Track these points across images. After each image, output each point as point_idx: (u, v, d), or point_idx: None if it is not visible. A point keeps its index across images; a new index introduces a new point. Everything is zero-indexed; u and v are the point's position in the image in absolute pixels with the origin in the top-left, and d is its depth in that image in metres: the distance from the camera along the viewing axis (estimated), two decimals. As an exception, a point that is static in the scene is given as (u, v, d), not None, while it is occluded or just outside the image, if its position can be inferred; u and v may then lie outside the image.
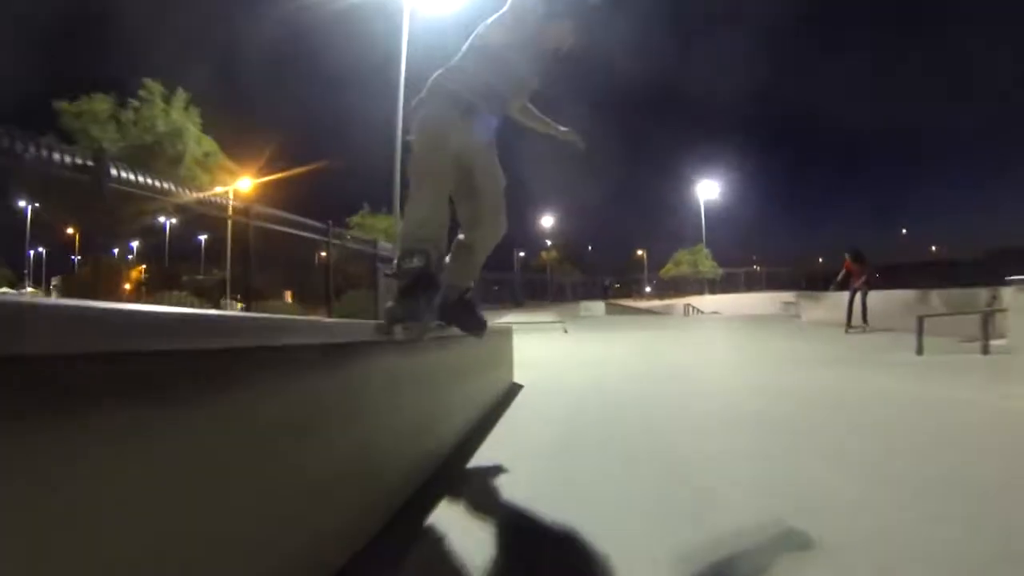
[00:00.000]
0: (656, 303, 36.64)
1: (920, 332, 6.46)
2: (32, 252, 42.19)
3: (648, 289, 45.61)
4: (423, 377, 2.29)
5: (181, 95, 14.27)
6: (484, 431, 3.08)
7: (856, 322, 9.86)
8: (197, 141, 14.58)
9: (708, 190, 46.97)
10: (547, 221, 56.09)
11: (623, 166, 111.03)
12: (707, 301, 30.68)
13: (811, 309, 13.44)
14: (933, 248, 60.95)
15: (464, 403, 3.06)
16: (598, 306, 22.91)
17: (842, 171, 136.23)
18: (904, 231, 71.43)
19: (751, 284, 37.23)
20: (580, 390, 4.70)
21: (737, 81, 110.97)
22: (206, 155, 14.94)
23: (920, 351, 6.33)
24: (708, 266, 42.29)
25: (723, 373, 5.95)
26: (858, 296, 9.95)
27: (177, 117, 14.03)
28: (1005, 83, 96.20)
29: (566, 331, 11.69)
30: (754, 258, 50.50)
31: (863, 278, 10.01)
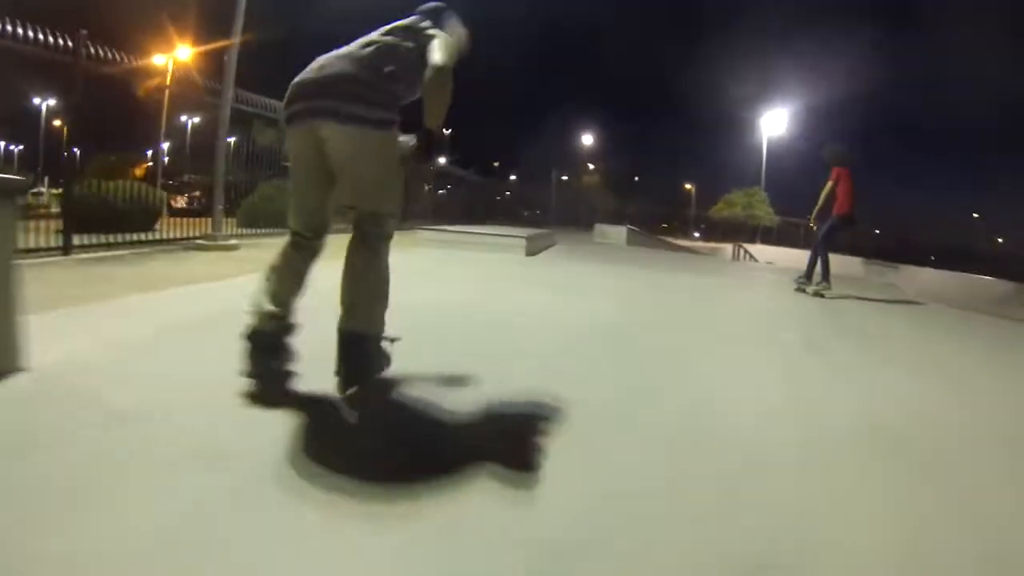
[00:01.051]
0: (700, 244, 31.93)
1: None
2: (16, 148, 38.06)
3: (697, 235, 39.95)
4: None
5: None
6: None
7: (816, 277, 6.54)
8: None
9: (774, 124, 39.54)
10: (587, 140, 50.95)
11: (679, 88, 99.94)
12: (763, 251, 25.90)
13: (910, 282, 9.55)
14: (1000, 240, 52.80)
15: None
16: (618, 232, 16.72)
17: (932, 133, 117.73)
18: (975, 215, 60.78)
19: (810, 240, 31.87)
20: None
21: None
22: None
23: None
24: (764, 212, 36.77)
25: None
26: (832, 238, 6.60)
27: None
28: None
29: (528, 254, 7.69)
30: (808, 217, 43.95)
31: (842, 206, 6.23)
